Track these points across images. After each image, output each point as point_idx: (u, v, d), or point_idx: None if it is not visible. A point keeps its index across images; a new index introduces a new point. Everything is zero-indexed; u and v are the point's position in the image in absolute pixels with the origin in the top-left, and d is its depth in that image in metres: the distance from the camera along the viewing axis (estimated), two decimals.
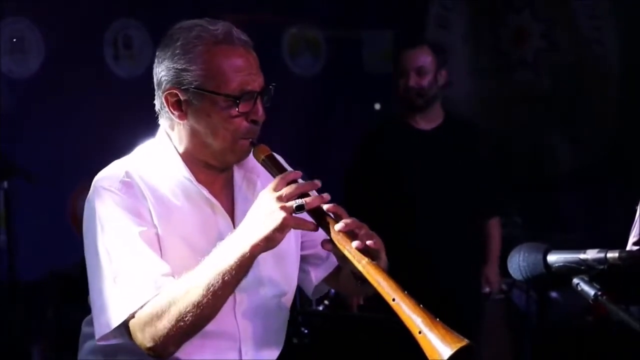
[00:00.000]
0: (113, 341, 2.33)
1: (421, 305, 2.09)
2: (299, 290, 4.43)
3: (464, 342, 2.00)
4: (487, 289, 5.11)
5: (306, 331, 4.45)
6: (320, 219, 2.27)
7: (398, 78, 4.89)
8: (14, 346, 5.31)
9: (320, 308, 4.55)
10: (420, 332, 2.03)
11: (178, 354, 2.33)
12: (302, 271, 2.62)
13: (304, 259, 2.61)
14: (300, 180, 2.30)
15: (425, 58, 4.88)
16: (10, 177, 5.18)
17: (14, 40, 5.58)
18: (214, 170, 2.47)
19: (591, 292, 1.88)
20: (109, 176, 2.40)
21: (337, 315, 4.64)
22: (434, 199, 4.88)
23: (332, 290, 4.51)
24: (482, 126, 5.27)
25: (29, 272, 5.37)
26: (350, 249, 2.22)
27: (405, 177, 4.92)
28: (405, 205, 4.88)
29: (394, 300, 2.10)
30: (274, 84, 2.44)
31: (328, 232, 2.26)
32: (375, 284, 2.16)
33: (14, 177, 5.18)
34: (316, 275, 2.63)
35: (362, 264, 2.19)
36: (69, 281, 5.13)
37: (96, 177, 2.42)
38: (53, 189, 5.39)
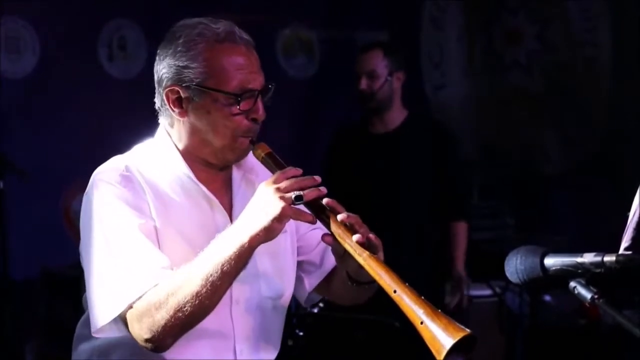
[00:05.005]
0: (109, 334, 2.32)
1: (422, 297, 2.11)
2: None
3: (466, 332, 2.01)
4: (451, 300, 4.94)
5: (301, 333, 4.44)
6: (320, 213, 2.28)
7: (355, 82, 4.92)
8: (6, 344, 5.30)
9: (315, 310, 4.54)
10: (422, 323, 2.05)
11: (172, 353, 2.32)
12: (296, 278, 2.61)
13: (298, 266, 2.60)
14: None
15: (376, 62, 4.89)
16: (4, 176, 5.17)
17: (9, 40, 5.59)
18: (213, 168, 2.47)
19: (588, 295, 1.89)
20: (108, 170, 2.40)
21: (332, 316, 4.63)
22: (388, 203, 4.87)
23: None
24: (474, 127, 5.27)
25: (22, 270, 5.36)
26: (351, 243, 2.23)
27: (361, 182, 4.92)
28: (362, 210, 4.87)
29: (395, 292, 2.12)
30: (273, 84, 2.44)
31: (328, 226, 2.27)
32: (376, 277, 2.17)
33: (8, 176, 5.18)
34: (310, 282, 2.62)
35: (363, 257, 2.21)
36: (61, 279, 5.13)
37: (95, 171, 2.42)
38: (47, 188, 5.38)
